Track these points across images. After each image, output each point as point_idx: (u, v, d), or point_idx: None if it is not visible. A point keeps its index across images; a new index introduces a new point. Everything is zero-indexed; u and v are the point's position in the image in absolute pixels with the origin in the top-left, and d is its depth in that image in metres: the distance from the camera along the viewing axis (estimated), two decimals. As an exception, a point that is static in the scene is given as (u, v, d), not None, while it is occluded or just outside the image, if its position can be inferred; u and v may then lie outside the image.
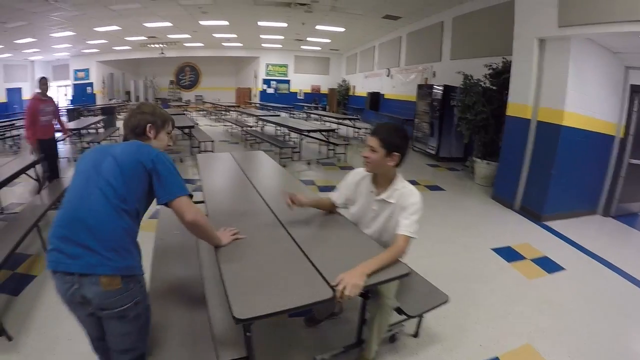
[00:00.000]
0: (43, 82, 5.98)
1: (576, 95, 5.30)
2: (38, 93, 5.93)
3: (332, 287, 1.79)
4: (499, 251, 4.57)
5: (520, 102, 5.96)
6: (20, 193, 6.36)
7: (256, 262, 2.04)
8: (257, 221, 2.64)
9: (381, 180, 2.41)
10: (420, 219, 2.21)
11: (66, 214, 1.70)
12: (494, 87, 7.30)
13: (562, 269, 4.21)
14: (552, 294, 3.67)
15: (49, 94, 6.16)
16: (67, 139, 9.19)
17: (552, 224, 5.55)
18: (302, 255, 2.11)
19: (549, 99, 5.51)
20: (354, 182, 2.57)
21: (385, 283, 2.03)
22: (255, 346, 1.90)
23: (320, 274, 1.92)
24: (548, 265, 4.28)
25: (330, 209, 2.75)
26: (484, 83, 7.53)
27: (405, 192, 2.29)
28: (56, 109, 6.30)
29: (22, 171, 4.88)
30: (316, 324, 2.96)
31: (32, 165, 5.18)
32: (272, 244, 2.29)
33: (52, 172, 6.24)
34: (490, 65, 7.35)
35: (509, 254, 4.50)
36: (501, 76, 7.03)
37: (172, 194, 1.81)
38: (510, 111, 6.22)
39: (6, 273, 3.76)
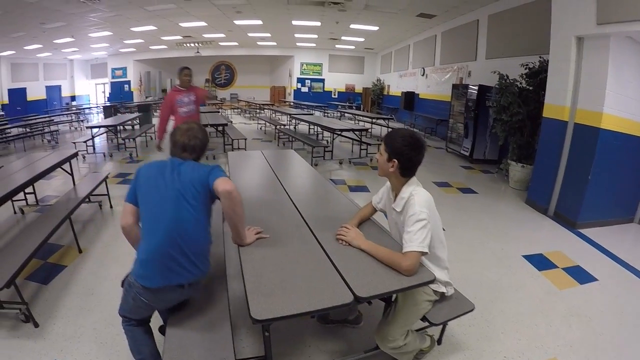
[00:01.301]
0: (184, 74, 5.78)
1: (615, 97, 5.01)
2: (176, 85, 5.84)
3: (354, 293, 1.80)
4: (530, 258, 4.39)
5: (557, 103, 5.70)
6: (56, 186, 6.56)
7: (278, 261, 2.07)
8: (283, 220, 2.67)
9: (394, 186, 2.36)
10: (424, 228, 2.04)
11: (165, 238, 1.98)
12: (530, 88, 7.04)
13: (595, 279, 4.00)
14: (582, 306, 3.48)
15: (192, 84, 5.96)
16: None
17: (586, 231, 5.30)
18: (325, 257, 2.13)
19: (587, 100, 5.24)
20: (387, 187, 2.53)
21: (407, 290, 1.99)
22: (273, 345, 1.96)
23: (343, 277, 1.92)
24: (580, 275, 4.08)
25: (372, 213, 2.74)
26: (520, 83, 7.27)
27: (409, 201, 2.17)
28: (198, 99, 6.02)
29: (58, 165, 5.07)
30: (328, 323, 2.93)
31: (67, 159, 5.33)
32: (296, 244, 2.31)
33: None
34: (527, 65, 7.08)
35: (541, 262, 4.32)
36: (538, 76, 6.77)
37: (216, 176, 2.07)
38: (547, 112, 5.96)
39: (38, 262, 3.94)
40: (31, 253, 3.08)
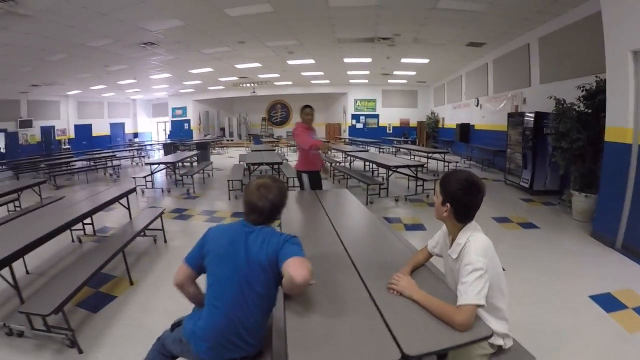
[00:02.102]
0: (306, 112, 5.72)
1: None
2: (300, 122, 5.81)
3: (401, 350, 1.63)
4: (597, 298, 3.94)
5: (618, 125, 5.25)
6: (115, 218, 6.80)
7: (323, 311, 1.95)
8: (333, 266, 2.55)
9: (450, 231, 2.20)
10: (481, 278, 1.83)
11: (224, 321, 1.90)
12: (589, 111, 6.58)
13: (668, 319, 3.52)
14: (655, 352, 3.04)
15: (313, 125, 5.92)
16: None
17: (658, 264, 4.76)
18: (374, 308, 1.96)
19: (651, 120, 4.79)
20: (443, 230, 2.35)
21: (461, 347, 1.75)
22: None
23: (391, 331, 1.75)
24: (653, 315, 3.60)
25: (427, 259, 2.55)
26: (578, 107, 6.83)
27: (465, 248, 1.98)
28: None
29: (116, 200, 5.39)
30: None
31: (124, 194, 5.62)
32: (343, 291, 2.17)
33: None
34: (583, 87, 6.65)
35: (609, 302, 3.87)
36: (596, 97, 6.32)
37: (288, 255, 1.91)
38: (609, 136, 5.50)
39: (90, 290, 4.10)
40: (83, 282, 3.27)
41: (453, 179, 2.03)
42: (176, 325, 2.11)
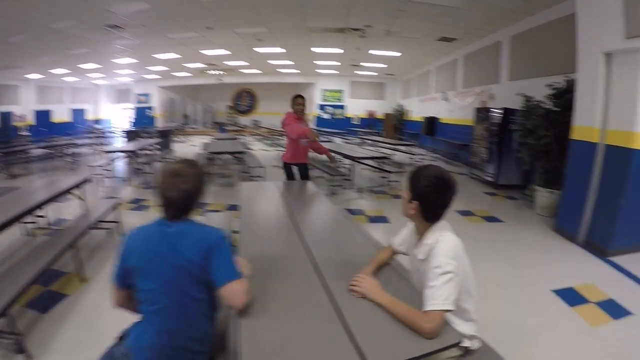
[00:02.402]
0: (297, 102, 5.48)
1: (649, 115, 4.71)
2: (291, 112, 5.52)
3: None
4: (561, 293, 4.05)
5: (586, 124, 5.40)
6: (72, 209, 6.51)
7: (280, 316, 1.79)
8: (291, 265, 2.38)
9: (417, 229, 2.08)
10: (450, 282, 1.73)
11: (168, 335, 1.74)
12: (557, 109, 6.73)
13: (630, 313, 3.66)
14: (617, 345, 3.17)
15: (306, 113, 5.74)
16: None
17: (619, 259, 4.93)
18: (334, 314, 1.81)
19: (618, 120, 4.93)
20: (409, 228, 2.24)
21: (430, 355, 1.62)
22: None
23: (354, 339, 1.62)
24: (614, 309, 3.74)
25: (391, 257, 2.40)
26: (546, 104, 6.98)
27: (434, 250, 1.85)
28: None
29: (68, 190, 5.08)
30: None
31: (78, 184, 5.32)
32: (302, 294, 2.01)
33: None
34: (552, 85, 6.80)
35: (572, 297, 3.98)
36: (564, 96, 6.47)
37: (226, 277, 1.76)
38: (575, 135, 5.65)
39: (39, 289, 3.81)
40: (30, 280, 2.98)
41: (422, 175, 1.92)
42: (123, 337, 1.92)
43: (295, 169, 5.68)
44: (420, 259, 1.97)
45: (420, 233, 2.03)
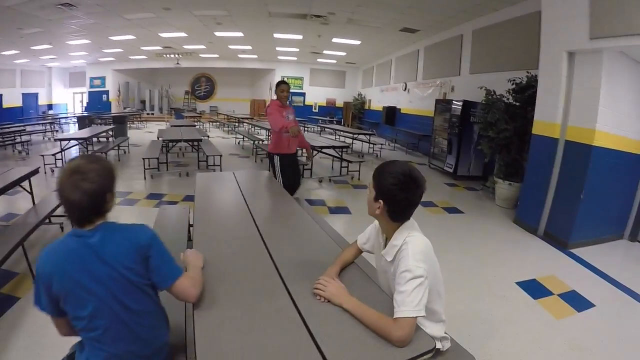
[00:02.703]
0: (281, 89, 5.20)
1: (608, 113, 4.89)
2: (276, 99, 5.26)
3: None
4: (524, 285, 4.14)
5: (547, 120, 5.55)
6: (21, 203, 6.13)
7: (240, 326, 1.60)
8: (250, 267, 2.18)
9: (384, 229, 1.95)
10: (420, 286, 1.61)
11: (109, 353, 1.55)
12: (518, 104, 6.89)
13: (592, 305, 3.80)
14: (582, 338, 3.25)
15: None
16: None
17: (578, 251, 5.13)
18: (298, 320, 1.66)
19: (579, 117, 5.09)
20: (375, 226, 2.11)
21: None
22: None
23: (319, 349, 1.48)
24: (577, 301, 3.86)
25: (357, 255, 2.27)
26: (507, 99, 7.12)
27: (403, 253, 1.73)
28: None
29: (15, 183, 4.62)
30: None
31: (26, 177, 4.89)
32: (263, 301, 1.82)
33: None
34: (514, 80, 6.94)
35: (535, 289, 4.07)
36: (525, 92, 6.62)
37: (171, 277, 1.63)
38: (536, 129, 5.80)
39: None
40: None
41: (388, 172, 1.78)
42: (72, 355, 1.70)
43: (277, 160, 5.38)
44: (387, 261, 1.86)
45: (387, 233, 1.91)
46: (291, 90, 18.94)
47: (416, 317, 1.57)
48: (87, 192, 1.46)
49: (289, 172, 5.46)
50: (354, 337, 1.56)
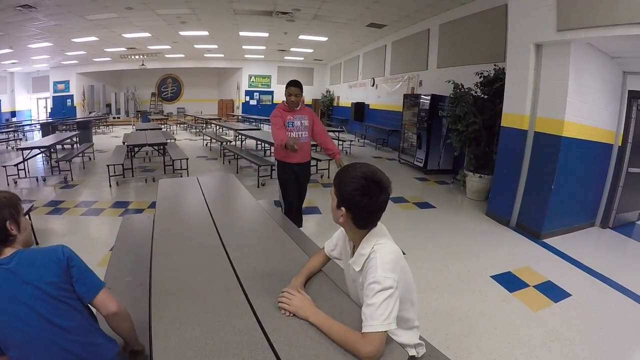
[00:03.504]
0: (288, 92, 4.45)
1: (576, 104, 4.96)
2: (284, 102, 4.55)
3: None
4: (499, 278, 4.14)
5: (516, 112, 5.59)
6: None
7: (201, 347, 1.47)
8: (212, 281, 2.01)
9: (350, 237, 1.84)
10: (390, 298, 1.50)
11: None
12: (486, 96, 6.94)
13: (568, 294, 3.83)
14: (560, 328, 3.27)
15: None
16: None
17: (551, 241, 5.20)
18: (262, 338, 1.54)
19: (548, 108, 5.15)
20: (342, 232, 1.98)
21: None
22: None
23: None
24: (553, 291, 3.89)
25: (324, 263, 2.14)
26: (475, 92, 7.16)
27: (371, 262, 1.62)
28: (313, 125, 4.74)
29: None
30: None
31: None
32: (226, 318, 1.67)
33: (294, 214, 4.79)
34: (481, 73, 6.98)
35: (510, 282, 4.08)
36: (493, 85, 6.67)
37: (93, 289, 1.62)
38: (505, 122, 5.85)
39: None
40: None
41: (348, 177, 1.65)
42: None
43: (284, 169, 4.65)
44: (356, 270, 1.75)
45: (354, 241, 1.80)
46: (259, 89, 18.42)
47: (386, 331, 1.48)
48: None
49: (292, 187, 4.72)
50: (322, 353, 1.46)
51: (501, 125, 5.95)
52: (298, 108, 4.55)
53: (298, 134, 4.53)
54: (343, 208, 1.65)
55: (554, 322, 3.35)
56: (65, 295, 1.53)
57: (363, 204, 1.61)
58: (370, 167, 1.67)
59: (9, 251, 1.54)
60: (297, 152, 4.22)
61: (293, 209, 4.75)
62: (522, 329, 3.26)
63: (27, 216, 1.68)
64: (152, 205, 6.50)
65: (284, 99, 4.54)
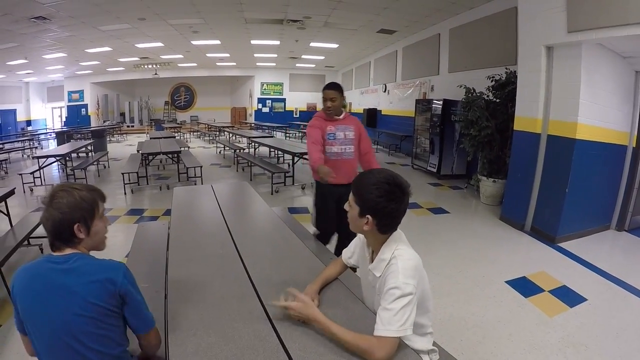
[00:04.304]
0: (324, 95, 3.68)
1: (589, 105, 4.90)
2: (320, 112, 3.80)
3: None
4: (514, 284, 4.09)
5: (528, 115, 5.54)
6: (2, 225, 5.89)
7: (214, 350, 1.50)
8: (227, 288, 2.04)
9: (370, 243, 1.83)
10: (408, 305, 1.49)
11: None
12: (498, 100, 6.89)
13: (584, 299, 3.76)
14: (576, 334, 3.20)
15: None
16: None
17: (566, 245, 5.12)
18: (276, 342, 1.56)
19: (560, 111, 5.09)
20: (361, 239, 1.97)
21: None
22: None
23: None
24: (568, 296, 3.82)
25: (340, 272, 2.14)
26: (487, 96, 7.11)
27: (392, 268, 1.61)
28: (360, 137, 3.80)
29: None
30: None
31: (4, 197, 4.72)
32: (242, 326, 1.67)
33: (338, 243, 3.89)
34: (493, 77, 6.94)
35: (526, 287, 4.02)
36: (505, 88, 6.63)
37: (145, 326, 1.55)
38: (518, 125, 5.79)
39: None
40: None
41: (370, 183, 1.63)
42: None
43: (322, 191, 3.74)
44: (376, 276, 1.74)
45: (374, 247, 1.78)
46: (271, 96, 18.16)
47: (400, 337, 1.49)
48: (50, 218, 1.43)
49: (330, 214, 3.69)
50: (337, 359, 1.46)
51: (514, 128, 5.89)
52: (341, 117, 3.71)
53: (341, 149, 3.66)
54: (369, 216, 1.64)
55: (570, 328, 3.29)
56: (104, 320, 1.41)
57: (390, 209, 1.61)
58: (388, 172, 1.67)
59: (68, 251, 1.47)
60: (335, 175, 3.26)
61: (328, 237, 3.89)
62: (537, 334, 3.21)
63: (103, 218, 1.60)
64: (167, 212, 6.56)
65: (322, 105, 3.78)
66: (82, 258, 1.46)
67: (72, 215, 1.44)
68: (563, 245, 5.12)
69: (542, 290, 3.95)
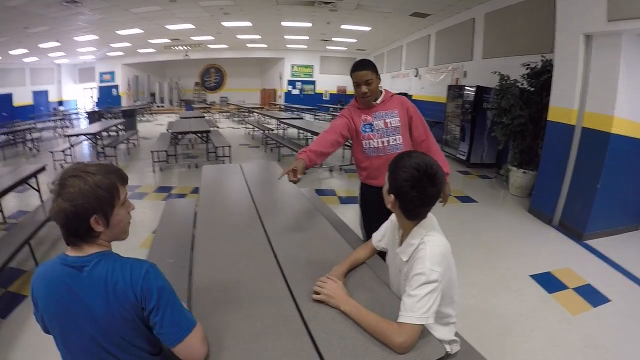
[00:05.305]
0: (355, 77, 2.87)
1: (627, 99, 4.66)
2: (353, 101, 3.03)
3: None
4: (539, 278, 4.02)
5: (563, 105, 5.34)
6: (30, 201, 6.13)
7: (238, 329, 1.52)
8: (254, 268, 2.04)
9: (400, 224, 1.78)
10: (433, 292, 1.47)
11: None
12: (532, 89, 6.66)
13: (608, 300, 3.67)
14: (598, 335, 3.13)
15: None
16: None
17: (594, 242, 4.97)
18: (301, 326, 1.56)
19: (597, 103, 4.89)
20: (392, 221, 1.94)
21: None
22: None
23: (319, 352, 1.40)
24: (592, 296, 3.74)
25: (369, 255, 2.11)
26: (521, 84, 6.90)
27: (419, 253, 1.58)
28: (410, 122, 2.97)
29: (22, 181, 4.62)
30: None
31: (32, 175, 4.89)
32: (266, 305, 1.69)
33: None
34: (528, 65, 6.70)
35: (550, 282, 3.95)
36: (540, 77, 6.40)
37: (179, 336, 1.28)
38: (552, 116, 5.60)
39: None
40: None
41: (401, 165, 1.59)
42: None
43: (366, 193, 3.07)
44: (403, 260, 1.72)
45: (404, 230, 1.76)
46: (301, 79, 18.00)
47: (422, 324, 1.47)
48: (62, 212, 1.19)
49: (376, 218, 2.40)
50: (360, 344, 1.47)
51: (548, 119, 5.70)
52: (378, 101, 2.93)
53: (384, 142, 2.87)
54: (392, 195, 1.64)
55: (592, 328, 3.23)
56: (132, 335, 1.29)
57: (411, 196, 1.58)
58: (425, 159, 1.60)
59: (86, 249, 1.26)
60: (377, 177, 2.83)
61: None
62: (559, 332, 3.17)
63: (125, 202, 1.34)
64: (195, 190, 6.72)
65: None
66: (108, 261, 1.26)
67: (87, 206, 1.20)
68: (590, 242, 4.97)
69: (566, 287, 3.88)
